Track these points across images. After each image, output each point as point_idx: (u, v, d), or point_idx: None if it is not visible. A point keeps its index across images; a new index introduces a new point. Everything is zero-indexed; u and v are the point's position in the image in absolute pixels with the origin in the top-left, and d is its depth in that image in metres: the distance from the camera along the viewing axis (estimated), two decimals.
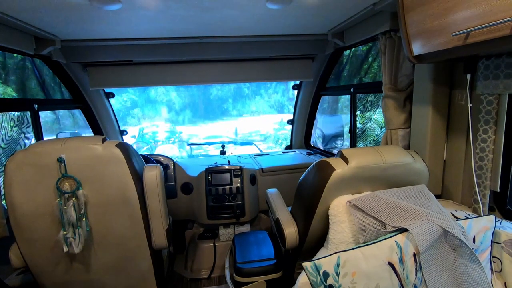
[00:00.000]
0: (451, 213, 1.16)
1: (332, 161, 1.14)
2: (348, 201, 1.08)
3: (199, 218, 2.14)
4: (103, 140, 1.21)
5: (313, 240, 1.27)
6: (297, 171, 2.28)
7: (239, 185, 2.10)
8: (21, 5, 1.22)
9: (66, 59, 1.93)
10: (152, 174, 1.28)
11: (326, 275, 0.89)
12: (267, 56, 2.23)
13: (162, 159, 2.19)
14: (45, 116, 1.86)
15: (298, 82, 2.68)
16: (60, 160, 1.14)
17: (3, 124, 1.81)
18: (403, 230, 0.91)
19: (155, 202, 1.29)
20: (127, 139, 3.03)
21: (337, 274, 0.89)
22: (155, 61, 2.20)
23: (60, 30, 1.60)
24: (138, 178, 1.25)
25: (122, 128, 2.75)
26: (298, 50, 2.16)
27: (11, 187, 1.14)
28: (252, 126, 11.06)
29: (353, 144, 2.13)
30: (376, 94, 2.26)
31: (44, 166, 1.14)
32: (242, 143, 3.18)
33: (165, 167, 2.13)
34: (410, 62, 1.21)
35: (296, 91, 2.75)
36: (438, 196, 1.38)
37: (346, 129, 2.57)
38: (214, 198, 2.07)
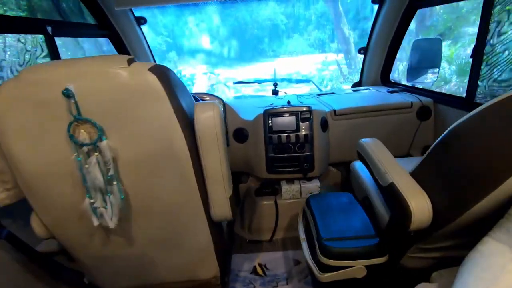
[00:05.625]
0: None
1: None
2: None
3: (256, 171, 1.72)
4: (130, 62, 0.73)
5: (467, 221, 0.78)
6: (381, 114, 1.70)
7: (307, 132, 1.59)
8: None
9: None
10: (208, 117, 0.80)
11: None
12: None
13: (208, 98, 1.72)
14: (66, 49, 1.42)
15: None
16: (67, 94, 0.70)
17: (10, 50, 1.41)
18: None
19: (215, 159, 0.84)
20: None
21: None
22: None
23: None
24: (187, 122, 0.79)
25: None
26: None
27: (5, 136, 0.74)
28: (292, 67, 10.14)
29: (474, 77, 1.45)
30: None
31: (46, 103, 0.71)
32: (298, 81, 2.58)
33: None
34: None
35: (377, 7, 2.00)
36: None
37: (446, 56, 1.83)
38: (275, 148, 1.61)
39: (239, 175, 1.90)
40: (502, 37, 1.36)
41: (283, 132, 1.60)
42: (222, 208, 0.91)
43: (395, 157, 1.62)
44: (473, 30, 4.47)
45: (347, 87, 2.62)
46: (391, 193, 0.91)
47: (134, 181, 0.82)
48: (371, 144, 1.11)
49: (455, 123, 0.76)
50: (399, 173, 0.93)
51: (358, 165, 1.42)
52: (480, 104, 1.49)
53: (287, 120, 1.60)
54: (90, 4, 1.66)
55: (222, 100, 1.71)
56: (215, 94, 1.83)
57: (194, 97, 1.58)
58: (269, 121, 1.61)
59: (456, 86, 4.50)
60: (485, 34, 1.38)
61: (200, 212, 0.90)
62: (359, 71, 2.38)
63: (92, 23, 1.75)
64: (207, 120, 0.79)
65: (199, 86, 6.89)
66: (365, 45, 2.21)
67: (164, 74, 0.74)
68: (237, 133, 1.70)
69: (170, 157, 0.79)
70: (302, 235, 1.25)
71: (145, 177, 0.82)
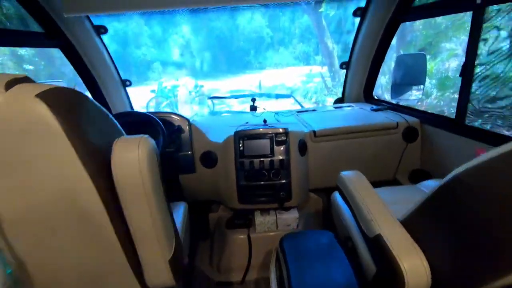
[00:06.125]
0: None
1: None
2: None
3: (226, 201, 1.50)
4: (9, 85, 0.51)
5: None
6: (365, 135, 1.53)
7: (283, 156, 1.39)
8: None
9: None
10: (129, 160, 0.58)
11: None
12: None
13: (174, 117, 1.50)
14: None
15: (364, 4, 1.77)
16: None
17: None
18: None
19: (143, 215, 0.62)
20: (135, 92, 2.36)
21: None
22: None
23: None
24: (101, 166, 0.57)
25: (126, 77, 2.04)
26: None
27: None
28: (277, 79, 10.09)
29: (464, 96, 1.30)
30: None
31: None
32: (278, 96, 2.40)
33: (177, 130, 1.45)
34: None
35: (358, 20, 1.86)
36: None
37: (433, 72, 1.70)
38: (247, 175, 1.40)
39: (208, 203, 1.68)
40: (492, 54, 1.23)
41: (256, 157, 1.39)
42: (159, 274, 0.68)
43: (380, 182, 1.43)
44: (450, 45, 4.52)
45: (331, 99, 2.47)
46: (378, 247, 0.71)
47: (32, 247, 0.59)
48: (354, 179, 0.92)
49: (462, 169, 0.57)
50: (389, 221, 0.73)
51: (339, 197, 1.22)
52: (470, 127, 1.36)
53: (261, 143, 1.40)
54: (34, 9, 1.42)
55: (188, 120, 1.49)
56: (195, 107, 1.62)
57: (151, 117, 1.36)
58: (240, 145, 1.40)
59: (437, 99, 4.50)
60: (474, 50, 1.23)
61: (131, 281, 0.67)
62: (343, 84, 2.23)
63: (38, 31, 1.52)
64: (128, 164, 0.57)
65: (181, 98, 6.65)
66: (347, 59, 2.06)
67: (62, 101, 0.52)
68: (204, 157, 1.48)
69: (77, 214, 0.56)
70: (273, 286, 1.03)
71: (46, 241, 0.59)
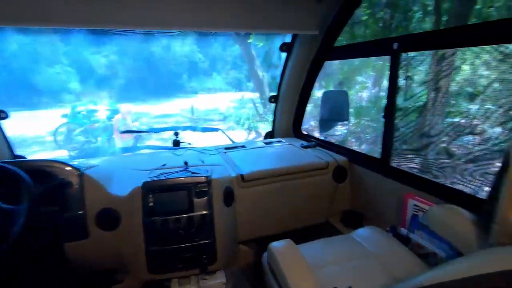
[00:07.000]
0: None
1: None
2: None
3: (133, 271, 1.15)
4: None
5: None
6: (295, 177, 1.39)
7: (206, 211, 1.14)
8: None
9: None
10: None
11: None
12: None
13: (58, 167, 1.11)
14: None
15: (289, 39, 1.72)
16: None
17: None
18: None
19: None
20: (45, 115, 1.83)
21: None
22: None
23: None
24: None
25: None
26: None
27: None
28: (210, 104, 9.94)
29: (388, 138, 1.29)
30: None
31: None
32: (205, 129, 2.16)
33: (60, 185, 1.07)
34: None
35: (285, 54, 1.80)
36: None
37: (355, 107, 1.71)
38: (159, 238, 1.09)
39: (109, 273, 1.28)
40: (412, 97, 1.26)
41: (171, 213, 1.11)
42: None
43: (313, 227, 1.29)
44: (361, 79, 5.14)
45: (263, 125, 2.34)
46: None
47: None
48: (285, 256, 0.72)
49: (447, 276, 0.42)
50: None
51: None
52: (396, 169, 1.35)
53: (177, 196, 1.12)
54: None
55: (79, 169, 1.12)
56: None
57: (9, 171, 0.95)
58: (150, 199, 1.10)
59: (354, 126, 4.95)
60: (394, 92, 1.24)
61: None
62: (273, 111, 2.13)
63: None
64: None
65: (116, 125, 5.84)
66: (276, 90, 1.98)
67: None
68: (101, 217, 1.12)
69: None
70: None
71: None
